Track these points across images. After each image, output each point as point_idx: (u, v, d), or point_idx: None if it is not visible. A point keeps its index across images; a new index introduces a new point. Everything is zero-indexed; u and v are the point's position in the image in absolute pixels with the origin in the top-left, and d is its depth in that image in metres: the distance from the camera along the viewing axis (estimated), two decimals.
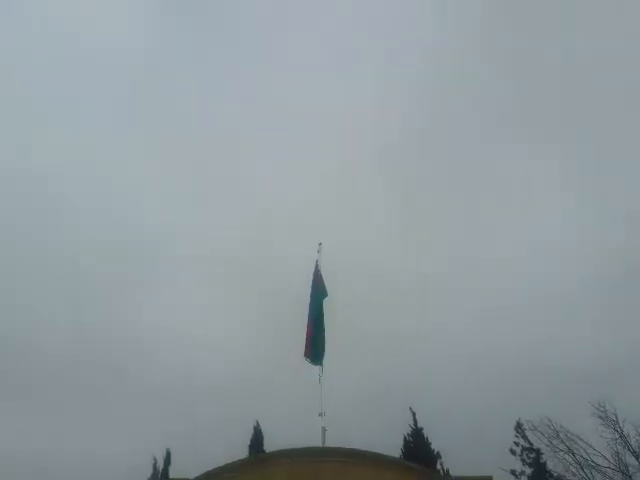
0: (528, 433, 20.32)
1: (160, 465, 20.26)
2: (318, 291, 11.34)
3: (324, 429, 9.40)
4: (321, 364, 10.66)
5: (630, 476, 19.62)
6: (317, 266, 11.83)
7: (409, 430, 21.85)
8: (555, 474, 19.16)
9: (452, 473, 8.37)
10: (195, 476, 7.94)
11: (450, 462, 16.83)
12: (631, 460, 20.00)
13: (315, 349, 10.75)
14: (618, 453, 20.02)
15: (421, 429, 21.41)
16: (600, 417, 20.47)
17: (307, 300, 11.50)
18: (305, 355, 10.94)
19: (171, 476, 14.16)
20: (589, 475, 20.31)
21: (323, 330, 10.98)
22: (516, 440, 20.00)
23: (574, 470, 20.36)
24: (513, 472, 19.24)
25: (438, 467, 16.08)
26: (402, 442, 20.99)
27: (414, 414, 21.48)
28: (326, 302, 11.27)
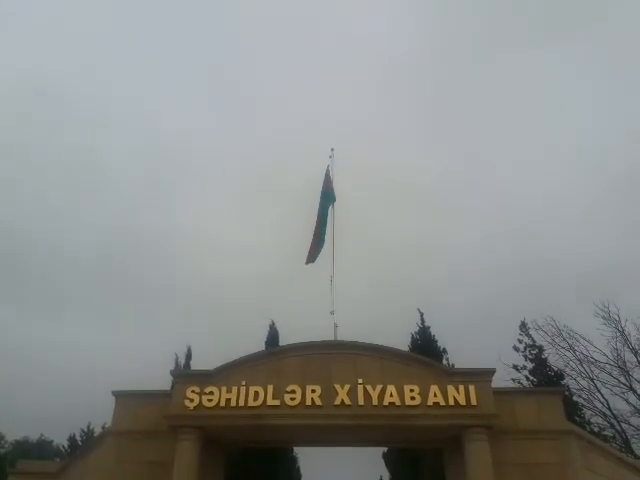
0: (532, 332, 21.13)
1: (182, 360, 21.52)
2: (326, 196, 11.38)
3: (335, 325, 9.89)
4: (313, 261, 11.06)
5: (627, 371, 20.64)
6: (328, 171, 11.77)
7: (416, 329, 22.78)
8: (555, 369, 20.16)
9: (457, 367, 8.84)
10: (214, 367, 8.47)
11: (455, 358, 17.69)
12: (630, 357, 20.89)
13: (316, 252, 11.07)
14: (617, 350, 20.91)
15: (428, 327, 22.30)
16: (603, 317, 21.18)
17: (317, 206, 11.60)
18: (307, 263, 11.26)
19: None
20: (588, 370, 21.38)
21: (324, 233, 11.20)
22: (520, 338, 20.85)
23: (573, 365, 21.41)
24: (515, 367, 20.24)
25: (444, 362, 16.95)
26: (409, 340, 21.97)
27: (422, 314, 22.29)
28: (335, 206, 11.39)
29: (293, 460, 30.91)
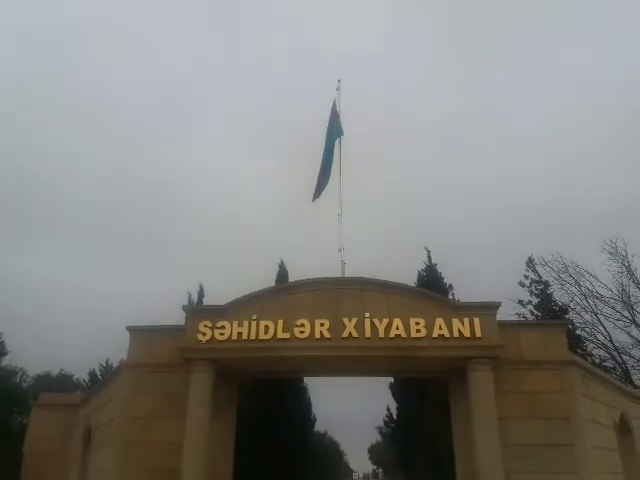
0: (538, 268, 21.32)
1: (194, 298, 22.04)
2: (333, 130, 11.17)
3: (343, 263, 10.03)
4: (319, 197, 11.00)
5: (631, 305, 20.94)
6: (335, 104, 11.51)
7: (423, 267, 23.02)
8: (560, 304, 20.48)
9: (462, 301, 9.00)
10: (226, 303, 8.69)
11: (461, 294, 17.99)
12: (634, 291, 21.15)
13: (322, 187, 10.97)
14: (623, 285, 21.15)
15: (435, 265, 22.55)
16: (610, 252, 21.27)
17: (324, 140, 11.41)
18: (313, 199, 11.20)
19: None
20: (592, 305, 21.72)
21: (330, 167, 11.05)
22: (526, 274, 21.04)
23: (578, 300, 21.76)
24: (520, 302, 20.58)
25: (449, 298, 17.27)
26: (416, 277, 22.26)
27: (429, 252, 22.46)
28: (346, 143, 11.23)
29: (303, 391, 32.24)
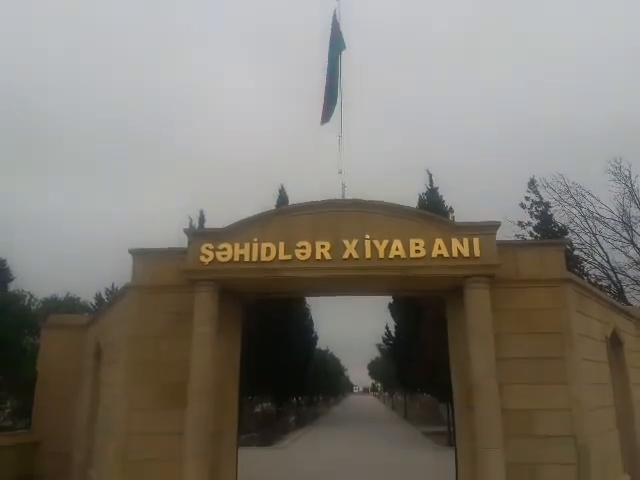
0: (540, 189, 21.28)
1: (195, 224, 22.20)
2: (335, 44, 10.66)
3: (343, 185, 9.97)
4: (328, 120, 10.63)
5: (631, 226, 21.11)
6: (335, 16, 10.90)
7: (424, 190, 22.95)
8: (560, 225, 20.63)
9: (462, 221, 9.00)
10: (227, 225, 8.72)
11: (461, 217, 18.07)
12: (635, 212, 21.27)
13: (330, 109, 10.56)
14: (623, 206, 21.25)
15: (436, 189, 22.51)
16: (613, 173, 21.16)
17: (326, 57, 10.92)
18: (322, 123, 10.87)
19: None
20: (591, 226, 21.90)
21: (337, 85, 10.60)
22: (527, 195, 21.02)
23: (578, 222, 21.94)
24: (520, 223, 20.74)
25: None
26: (417, 201, 22.27)
27: (430, 175, 22.33)
28: (349, 61, 10.75)
29: (306, 311, 33.31)
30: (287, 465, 15.70)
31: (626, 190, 21.15)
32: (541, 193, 21.10)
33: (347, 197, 9.54)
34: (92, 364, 11.92)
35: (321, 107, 10.66)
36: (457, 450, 8.68)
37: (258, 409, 33.44)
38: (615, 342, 11.29)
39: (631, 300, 20.93)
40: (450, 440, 16.67)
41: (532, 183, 21.13)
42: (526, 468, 8.04)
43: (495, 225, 8.50)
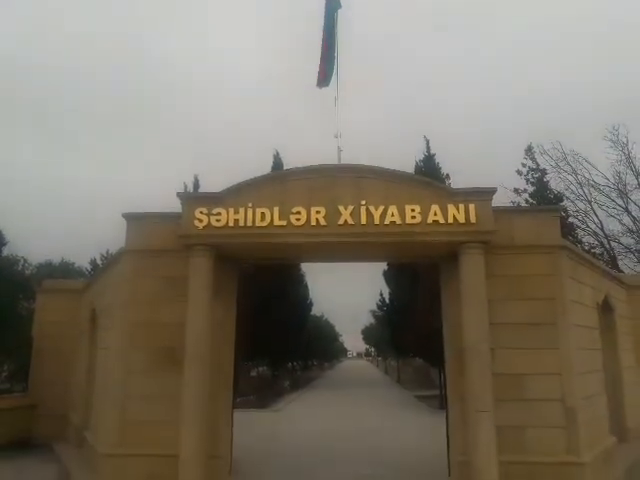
0: (537, 156, 21.16)
1: (190, 190, 22.01)
2: (331, 3, 10.32)
3: (340, 149, 9.84)
4: (328, 85, 10.39)
5: (626, 194, 21.13)
6: None
7: (421, 157, 22.76)
8: (555, 192, 20.61)
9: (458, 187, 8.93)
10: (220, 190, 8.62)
11: (458, 184, 17.95)
12: (631, 179, 21.26)
13: (328, 71, 10.29)
14: (619, 173, 21.24)
15: (433, 155, 22.32)
16: (611, 140, 21.05)
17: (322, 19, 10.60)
18: (318, 85, 10.63)
19: None
20: (587, 193, 21.91)
21: (334, 46, 10.31)
22: (524, 162, 20.91)
23: (574, 189, 21.95)
24: (516, 190, 20.69)
25: None
26: (413, 167, 22.09)
27: (428, 141, 22.10)
28: (341, 14, 10.41)
29: (301, 278, 33.42)
30: (282, 426, 16.04)
31: (623, 157, 21.10)
32: (538, 160, 21.01)
33: (343, 162, 9.43)
34: (88, 328, 11.98)
35: (318, 69, 10.42)
36: (448, 413, 8.85)
37: (254, 373, 33.98)
38: (606, 308, 11.43)
39: (623, 267, 21.13)
40: (442, 403, 17.03)
41: (529, 150, 21.00)
42: (516, 430, 8.22)
43: (491, 191, 8.45)
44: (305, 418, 18.34)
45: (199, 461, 7.84)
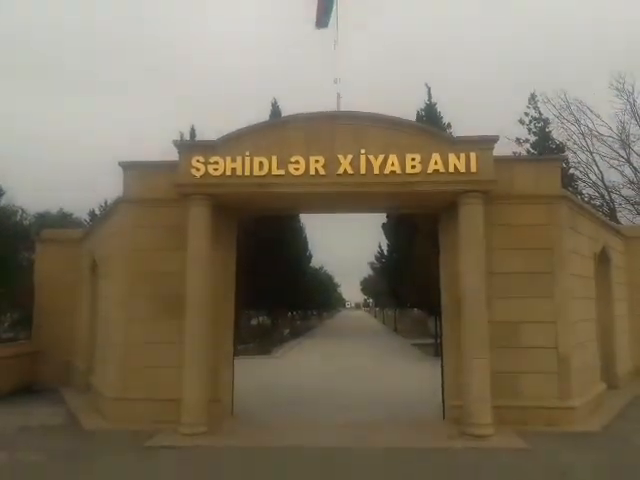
0: (540, 105, 20.73)
1: (187, 138, 21.64)
2: None
3: (339, 96, 9.59)
4: (327, 25, 10.03)
5: (629, 144, 20.86)
6: None
7: (423, 105, 22.31)
8: (557, 142, 20.34)
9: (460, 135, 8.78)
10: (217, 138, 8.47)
11: (459, 133, 17.66)
12: (634, 130, 20.94)
13: (327, 7, 9.89)
14: (623, 123, 20.88)
15: (435, 104, 21.86)
16: (616, 88, 20.58)
17: None
18: (317, 25, 10.25)
19: None
20: (589, 144, 21.63)
21: None
22: (527, 111, 20.50)
23: (576, 139, 21.66)
24: (518, 140, 20.39)
25: None
26: (414, 117, 21.69)
27: (429, 88, 21.59)
28: None
29: (300, 230, 33.50)
30: (282, 371, 16.47)
31: (627, 107, 20.72)
32: (541, 109, 20.62)
33: (342, 109, 9.22)
34: (88, 277, 12.08)
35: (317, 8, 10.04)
36: (443, 359, 9.06)
37: (254, 322, 34.59)
38: (603, 259, 11.51)
39: (622, 219, 21.14)
40: (437, 351, 17.40)
41: (532, 98, 20.54)
42: (509, 376, 8.44)
43: (493, 140, 8.30)
44: (304, 364, 18.80)
45: (201, 404, 8.07)
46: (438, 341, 13.50)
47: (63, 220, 26.00)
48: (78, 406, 10.25)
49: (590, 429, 8.23)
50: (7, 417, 9.41)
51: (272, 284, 23.76)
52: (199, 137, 21.56)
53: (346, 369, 16.49)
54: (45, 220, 23.95)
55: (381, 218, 31.13)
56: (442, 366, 9.09)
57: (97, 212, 29.19)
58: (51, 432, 8.50)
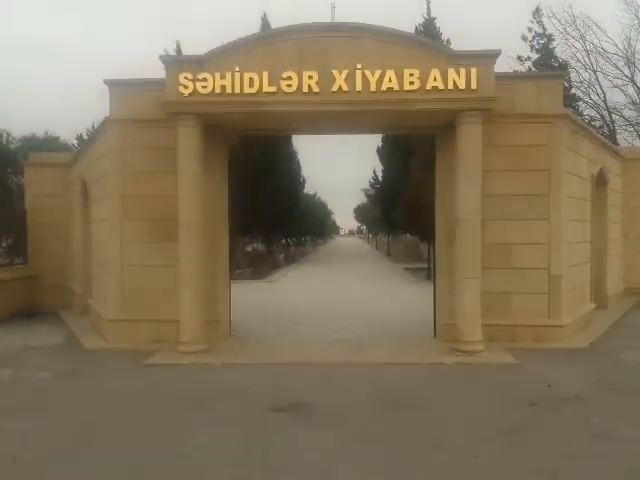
0: (545, 20, 19.78)
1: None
2: None
3: (333, 6, 9.04)
4: None
5: (634, 62, 20.16)
6: None
7: (421, 21, 21.28)
8: (560, 60, 19.59)
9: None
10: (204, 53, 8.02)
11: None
12: None
13: None
14: (630, 40, 20.04)
15: (434, 19, 20.85)
16: (625, 2, 19.57)
17: None
18: None
19: None
20: (593, 62, 20.88)
21: None
22: (530, 26, 19.58)
23: (580, 57, 20.88)
24: (519, 57, 19.63)
25: None
26: (413, 32, 20.71)
27: (428, 2, 20.49)
28: None
29: (294, 154, 33.03)
30: (276, 295, 16.78)
31: (635, 22, 19.82)
32: (545, 24, 19.68)
33: (337, 20, 8.72)
34: (80, 201, 11.92)
35: None
36: (436, 281, 9.17)
37: (249, 249, 34.86)
38: (600, 181, 11.41)
39: (621, 142, 20.84)
40: (429, 275, 17.70)
41: (537, 12, 19.50)
42: (501, 296, 8.58)
43: (495, 54, 7.92)
44: (300, 288, 19.14)
45: (199, 324, 8.21)
46: (431, 265, 13.66)
47: (50, 144, 25.33)
48: (78, 327, 10.45)
49: (578, 345, 8.50)
50: (9, 337, 9.59)
51: (266, 209, 23.70)
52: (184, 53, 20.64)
53: (339, 292, 16.81)
54: (31, 144, 23.32)
55: (376, 142, 30.55)
56: (434, 287, 9.21)
57: (85, 136, 28.46)
58: (53, 351, 8.70)
